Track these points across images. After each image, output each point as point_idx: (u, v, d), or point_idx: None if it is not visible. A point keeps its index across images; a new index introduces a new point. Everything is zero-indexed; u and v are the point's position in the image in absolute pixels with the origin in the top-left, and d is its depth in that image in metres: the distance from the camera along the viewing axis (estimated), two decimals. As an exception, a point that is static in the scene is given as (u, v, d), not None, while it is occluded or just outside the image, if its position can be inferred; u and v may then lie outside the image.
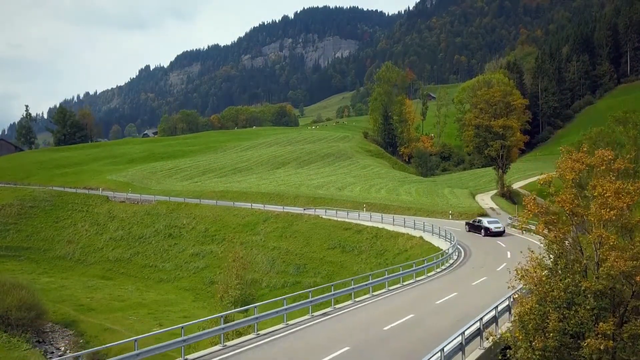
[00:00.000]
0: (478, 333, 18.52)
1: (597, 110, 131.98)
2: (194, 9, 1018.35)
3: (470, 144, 79.09)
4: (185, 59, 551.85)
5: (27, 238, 77.26)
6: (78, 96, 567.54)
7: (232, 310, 28.28)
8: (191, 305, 51.52)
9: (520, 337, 16.41)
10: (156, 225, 72.27)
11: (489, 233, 48.36)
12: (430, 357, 14.67)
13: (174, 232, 69.87)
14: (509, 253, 39.50)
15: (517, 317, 17.22)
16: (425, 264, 34.69)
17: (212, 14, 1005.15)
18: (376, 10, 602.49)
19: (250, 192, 78.82)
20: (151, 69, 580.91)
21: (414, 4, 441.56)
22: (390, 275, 30.91)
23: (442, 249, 41.66)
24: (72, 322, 43.84)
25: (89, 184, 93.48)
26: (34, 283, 52.52)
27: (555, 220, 17.73)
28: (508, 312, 21.39)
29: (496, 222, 50.58)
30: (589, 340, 15.46)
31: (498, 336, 18.31)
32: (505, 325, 20.42)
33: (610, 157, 17.79)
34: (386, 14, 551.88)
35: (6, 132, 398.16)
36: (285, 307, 22.76)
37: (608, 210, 16.60)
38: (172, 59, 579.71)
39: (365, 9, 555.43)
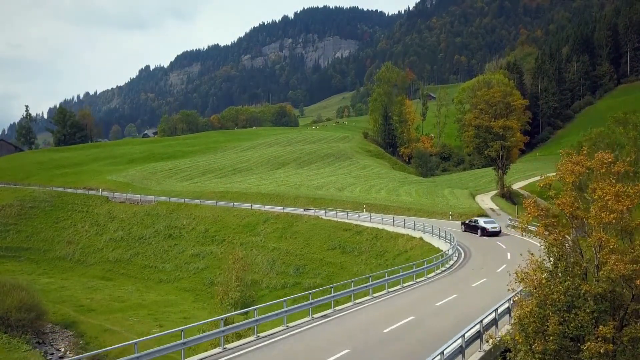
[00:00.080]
0: (478, 336, 18.53)
1: (597, 111, 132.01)
2: (194, 9, 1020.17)
3: (470, 145, 79.04)
4: (185, 59, 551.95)
5: (27, 239, 77.27)
6: (78, 96, 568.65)
7: (232, 313, 28.27)
8: (191, 306, 51.54)
9: (520, 340, 16.41)
10: (156, 226, 72.28)
11: (485, 233, 48.69)
12: (431, 360, 14.68)
13: (174, 233, 69.88)
14: (508, 254, 39.49)
15: (517, 320, 17.22)
16: (425, 266, 34.68)
17: (212, 14, 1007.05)
18: (376, 10, 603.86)
19: (250, 192, 78.84)
20: (151, 69, 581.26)
21: (414, 4, 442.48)
22: (390, 277, 30.90)
23: (442, 250, 41.66)
24: (72, 323, 43.87)
25: (89, 184, 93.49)
26: (34, 284, 52.58)
27: (555, 223, 17.73)
28: (508, 315, 21.39)
29: (492, 222, 51.06)
30: (589, 343, 15.46)
31: (498, 339, 18.32)
32: (505, 327, 20.44)
33: (610, 159, 17.78)
34: (386, 14, 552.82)
35: (6, 132, 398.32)
36: (285, 309, 22.76)
37: (608, 213, 16.59)
38: (172, 59, 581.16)
39: (365, 9, 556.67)
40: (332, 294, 25.90)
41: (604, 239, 16.59)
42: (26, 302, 40.79)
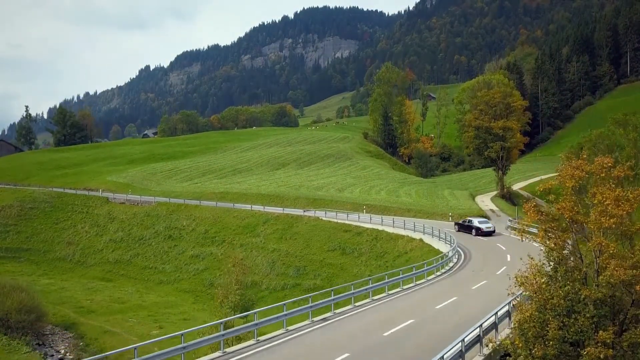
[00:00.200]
0: (478, 340, 18.50)
1: (597, 111, 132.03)
2: (194, 9, 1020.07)
3: (470, 146, 79.06)
4: (185, 59, 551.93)
5: (26, 239, 77.26)
6: (78, 96, 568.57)
7: (232, 317, 28.27)
8: (191, 307, 51.56)
9: (520, 344, 16.40)
10: (156, 227, 72.28)
11: (480, 233, 49.39)
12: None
13: (174, 234, 69.89)
14: (508, 256, 39.48)
15: (516, 325, 17.21)
16: (425, 268, 34.67)
17: (212, 14, 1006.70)
18: (376, 11, 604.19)
19: (250, 193, 78.83)
20: (151, 69, 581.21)
21: (414, 4, 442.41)
22: (390, 279, 30.89)
23: (442, 252, 41.66)
24: (72, 324, 43.85)
25: (88, 185, 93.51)
26: (34, 285, 52.59)
27: (555, 227, 17.72)
28: (508, 318, 21.37)
29: (486, 222, 52.20)
30: (588, 348, 15.44)
31: (498, 343, 18.28)
32: (505, 331, 20.42)
33: (609, 164, 17.77)
34: (386, 14, 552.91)
35: (6, 133, 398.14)
36: (285, 312, 22.76)
37: (608, 218, 16.58)
38: (172, 59, 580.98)
39: (365, 9, 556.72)
40: (332, 297, 25.90)
41: (603, 243, 16.57)
42: (26, 303, 40.75)
